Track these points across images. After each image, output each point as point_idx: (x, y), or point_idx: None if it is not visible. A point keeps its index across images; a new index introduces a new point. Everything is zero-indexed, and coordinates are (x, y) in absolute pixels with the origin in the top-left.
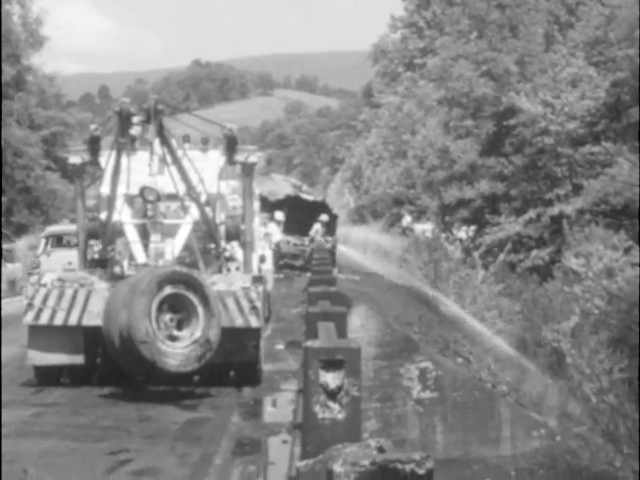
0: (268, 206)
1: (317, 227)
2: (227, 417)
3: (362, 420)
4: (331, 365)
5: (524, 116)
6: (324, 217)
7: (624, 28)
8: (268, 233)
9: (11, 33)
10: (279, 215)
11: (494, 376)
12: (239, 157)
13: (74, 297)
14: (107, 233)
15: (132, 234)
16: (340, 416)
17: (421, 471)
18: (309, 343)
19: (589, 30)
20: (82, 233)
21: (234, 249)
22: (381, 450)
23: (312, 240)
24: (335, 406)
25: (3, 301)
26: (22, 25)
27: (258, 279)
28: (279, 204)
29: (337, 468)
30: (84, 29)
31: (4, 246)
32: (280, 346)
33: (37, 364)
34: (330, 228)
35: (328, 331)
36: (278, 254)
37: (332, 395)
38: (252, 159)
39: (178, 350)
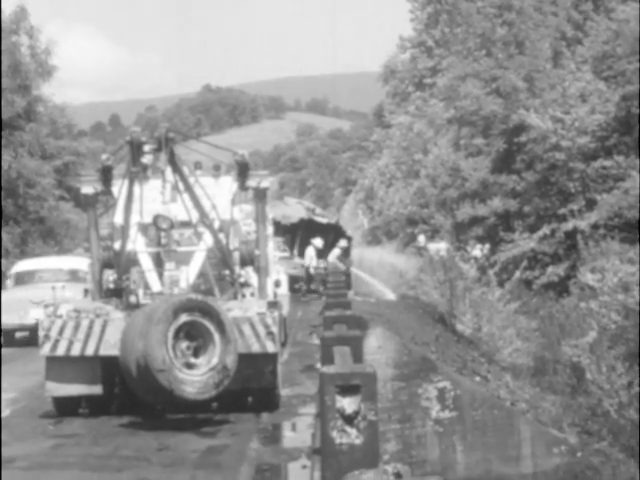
0: (281, 230)
1: (336, 252)
2: (246, 443)
3: (381, 442)
4: (347, 390)
5: (534, 132)
6: (343, 243)
7: (632, 42)
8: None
9: (20, 64)
10: (318, 242)
11: (512, 394)
12: (251, 182)
13: (90, 327)
14: (121, 262)
15: (146, 263)
16: (358, 441)
17: None
18: (325, 369)
19: (597, 45)
20: (96, 263)
21: (249, 275)
22: (398, 476)
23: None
24: (352, 431)
25: None
26: (31, 56)
27: (273, 304)
28: (293, 228)
29: None
30: (93, 57)
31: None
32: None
33: (55, 395)
34: (345, 251)
35: (344, 356)
36: (308, 277)
37: (349, 420)
38: (264, 184)
39: (195, 377)
